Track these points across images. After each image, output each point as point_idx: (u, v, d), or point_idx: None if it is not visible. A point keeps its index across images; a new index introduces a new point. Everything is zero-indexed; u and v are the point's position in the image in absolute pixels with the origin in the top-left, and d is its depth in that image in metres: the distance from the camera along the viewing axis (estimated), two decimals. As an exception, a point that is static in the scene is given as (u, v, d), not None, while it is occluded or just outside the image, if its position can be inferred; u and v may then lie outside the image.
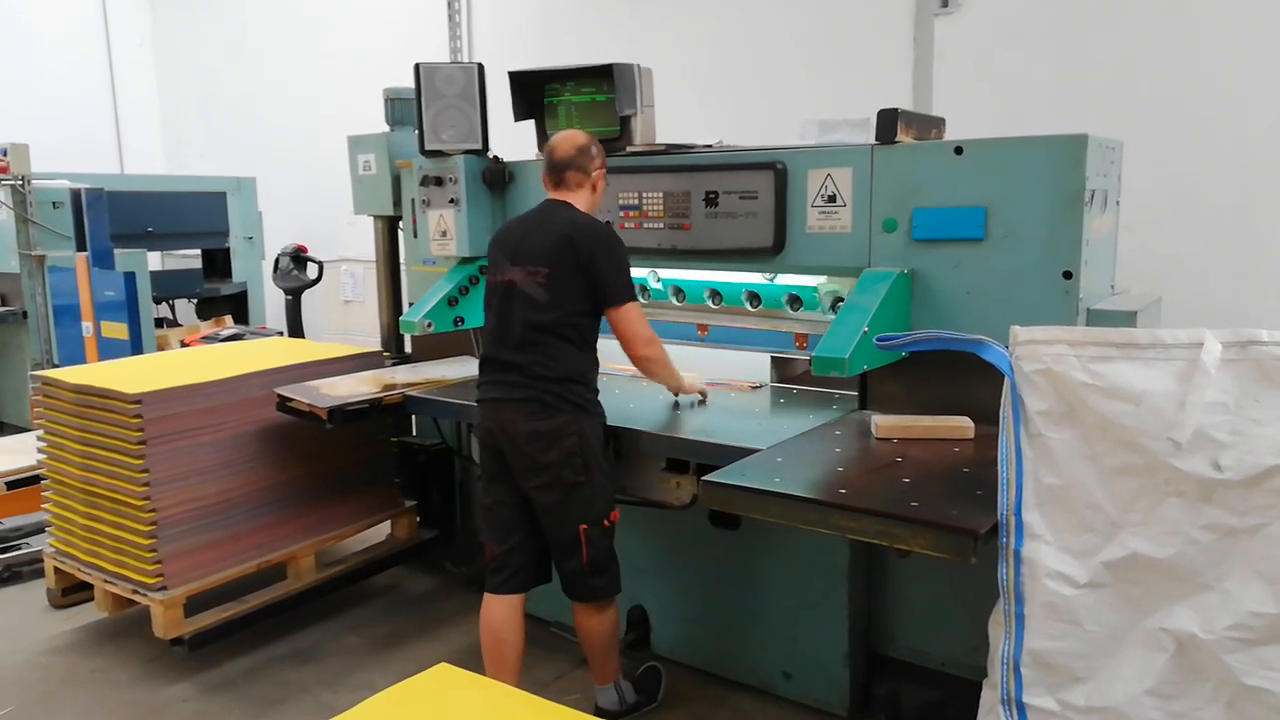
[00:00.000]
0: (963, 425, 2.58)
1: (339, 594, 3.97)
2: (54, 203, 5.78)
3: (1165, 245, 3.76)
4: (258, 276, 6.87)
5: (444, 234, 3.79)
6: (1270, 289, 3.68)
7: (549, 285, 2.80)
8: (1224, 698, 1.89)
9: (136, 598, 3.42)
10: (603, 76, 3.50)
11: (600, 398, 2.91)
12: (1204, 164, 3.76)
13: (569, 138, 2.98)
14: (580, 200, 2.96)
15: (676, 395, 3.18)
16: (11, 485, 4.29)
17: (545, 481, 2.81)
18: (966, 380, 2.57)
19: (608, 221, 3.32)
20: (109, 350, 5.18)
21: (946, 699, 2.95)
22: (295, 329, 6.04)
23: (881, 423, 2.62)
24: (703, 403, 3.16)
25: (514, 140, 3.85)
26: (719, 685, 3.31)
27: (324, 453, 3.87)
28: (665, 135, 3.59)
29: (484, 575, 2.95)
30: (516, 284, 2.85)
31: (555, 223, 2.86)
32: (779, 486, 2.24)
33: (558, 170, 2.95)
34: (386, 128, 4.27)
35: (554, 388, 2.78)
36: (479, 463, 3.11)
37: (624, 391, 3.35)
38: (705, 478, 2.32)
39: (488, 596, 2.99)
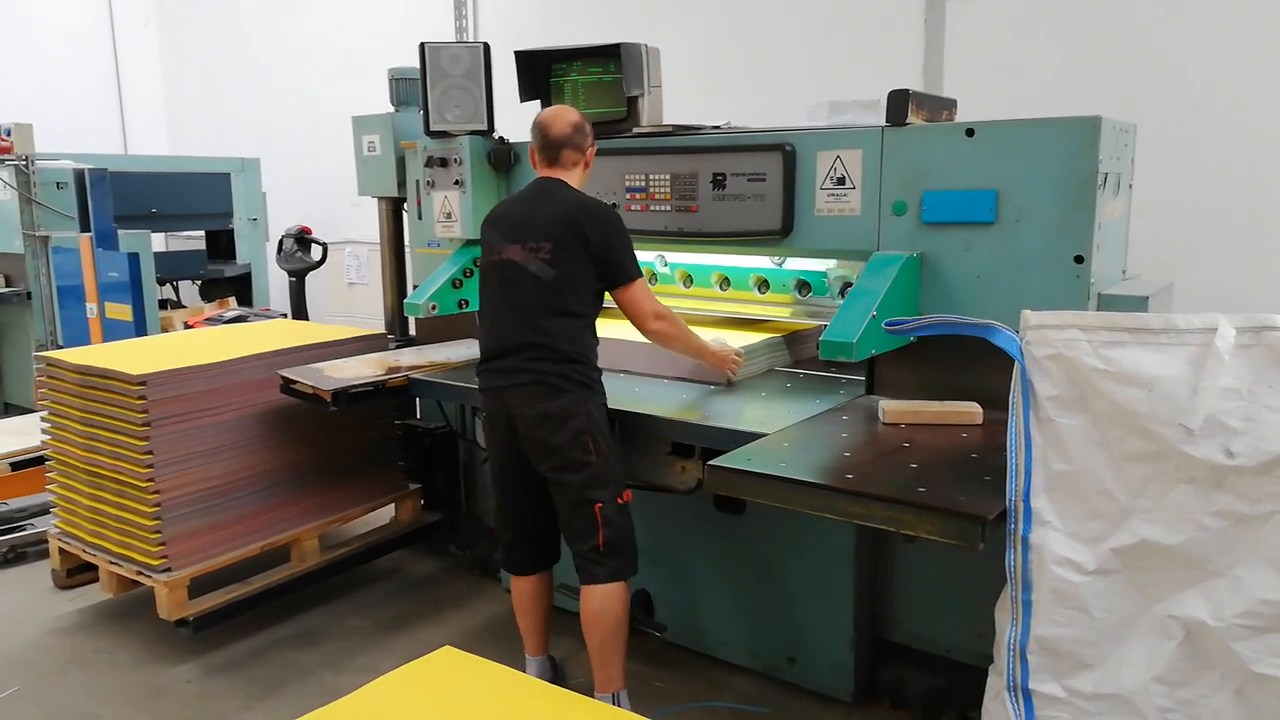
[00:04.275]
0: (971, 411, 2.57)
1: (343, 577, 3.97)
2: (58, 183, 5.76)
3: (1177, 230, 3.73)
4: (262, 258, 6.85)
5: (449, 216, 3.77)
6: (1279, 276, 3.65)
7: (553, 261, 2.75)
8: (1233, 685, 1.88)
9: (141, 579, 3.42)
10: (610, 56, 3.47)
11: (605, 382, 2.89)
12: (1217, 149, 3.72)
13: (561, 115, 2.92)
14: (574, 178, 2.91)
15: (716, 369, 3.06)
16: (16, 466, 4.29)
17: (557, 464, 2.77)
18: (975, 365, 2.55)
19: (614, 205, 3.30)
20: (113, 332, 5.18)
21: (952, 685, 2.94)
22: (299, 311, 6.03)
23: (889, 408, 2.60)
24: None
25: (520, 121, 3.81)
26: (723, 669, 3.31)
27: (328, 435, 3.86)
28: (673, 116, 3.55)
29: (489, 557, 2.95)
30: (517, 262, 2.80)
31: (555, 200, 2.82)
32: (785, 471, 2.22)
33: (553, 149, 2.89)
34: (391, 108, 4.23)
35: (559, 368, 2.74)
36: (485, 448, 3.09)
37: (629, 376, 3.33)
38: (711, 462, 2.31)
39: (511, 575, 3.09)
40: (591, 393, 2.79)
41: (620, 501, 2.82)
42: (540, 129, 2.91)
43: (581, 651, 3.33)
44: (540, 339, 2.75)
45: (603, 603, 2.81)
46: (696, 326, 3.34)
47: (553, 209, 2.80)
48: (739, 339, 3.29)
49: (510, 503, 3.00)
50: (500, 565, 3.02)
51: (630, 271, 2.80)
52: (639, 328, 2.87)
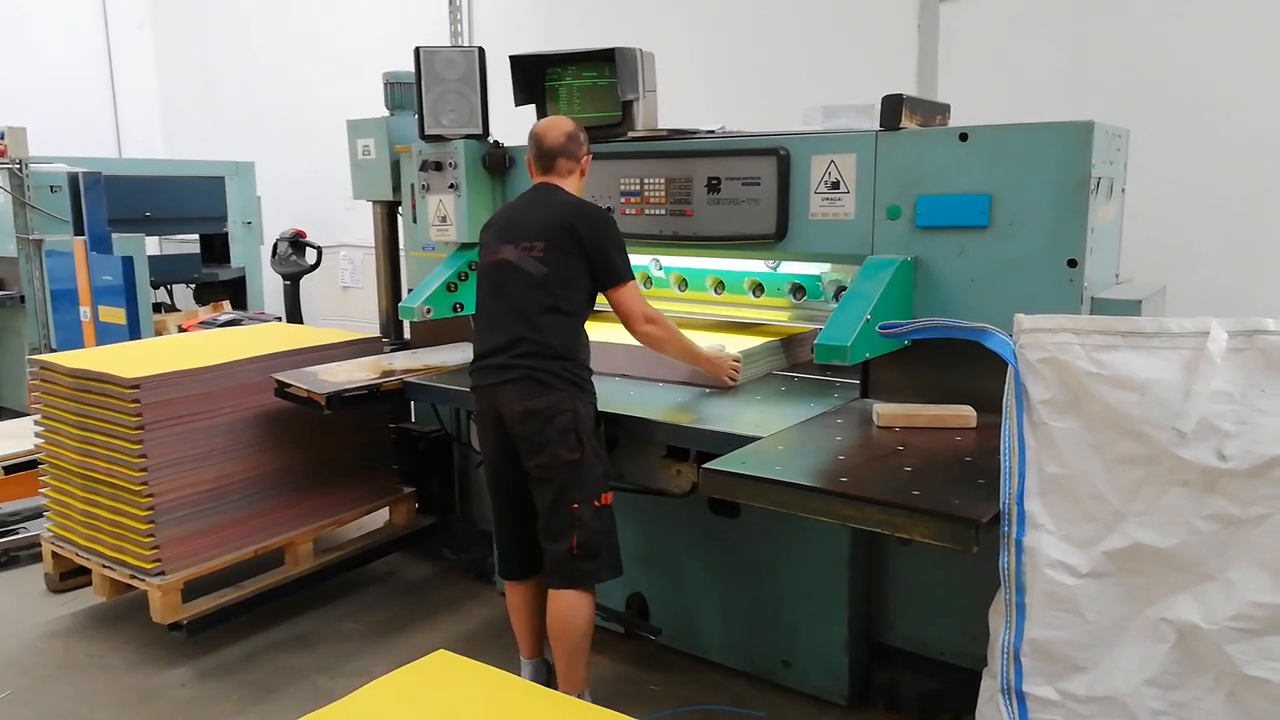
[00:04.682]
0: (965, 414, 2.57)
1: (337, 580, 3.97)
2: (52, 186, 5.75)
3: (1170, 234, 3.73)
4: (256, 262, 6.84)
5: (443, 219, 3.77)
6: (1276, 278, 3.66)
7: (545, 259, 2.78)
8: (1225, 688, 1.88)
9: (134, 583, 3.41)
10: (604, 61, 3.47)
11: (599, 387, 2.89)
12: (1210, 152, 3.73)
13: (556, 125, 2.99)
14: (569, 186, 2.97)
15: (711, 375, 3.06)
16: (9, 470, 4.28)
17: (544, 461, 2.76)
18: (969, 369, 2.55)
19: (609, 209, 3.30)
20: (106, 335, 5.16)
21: (946, 688, 2.95)
22: (294, 314, 6.02)
23: (883, 411, 2.61)
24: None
25: (515, 124, 3.82)
26: (718, 673, 3.31)
27: (322, 439, 3.85)
28: (668, 120, 3.55)
29: (484, 561, 2.95)
30: (511, 261, 2.83)
31: (551, 203, 2.88)
32: (780, 474, 2.22)
33: (548, 158, 2.95)
34: (386, 112, 4.24)
35: (548, 365, 2.75)
36: (479, 450, 3.09)
37: (626, 380, 3.33)
38: (706, 465, 2.31)
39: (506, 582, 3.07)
40: (580, 391, 2.79)
41: (598, 504, 2.80)
42: (535, 139, 2.97)
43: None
44: (531, 334, 2.77)
45: (569, 609, 2.79)
46: (692, 330, 3.35)
47: (547, 211, 2.86)
48: (737, 343, 3.29)
49: (502, 506, 3.00)
50: (495, 569, 2.99)
51: (622, 272, 2.83)
52: (629, 329, 2.89)
